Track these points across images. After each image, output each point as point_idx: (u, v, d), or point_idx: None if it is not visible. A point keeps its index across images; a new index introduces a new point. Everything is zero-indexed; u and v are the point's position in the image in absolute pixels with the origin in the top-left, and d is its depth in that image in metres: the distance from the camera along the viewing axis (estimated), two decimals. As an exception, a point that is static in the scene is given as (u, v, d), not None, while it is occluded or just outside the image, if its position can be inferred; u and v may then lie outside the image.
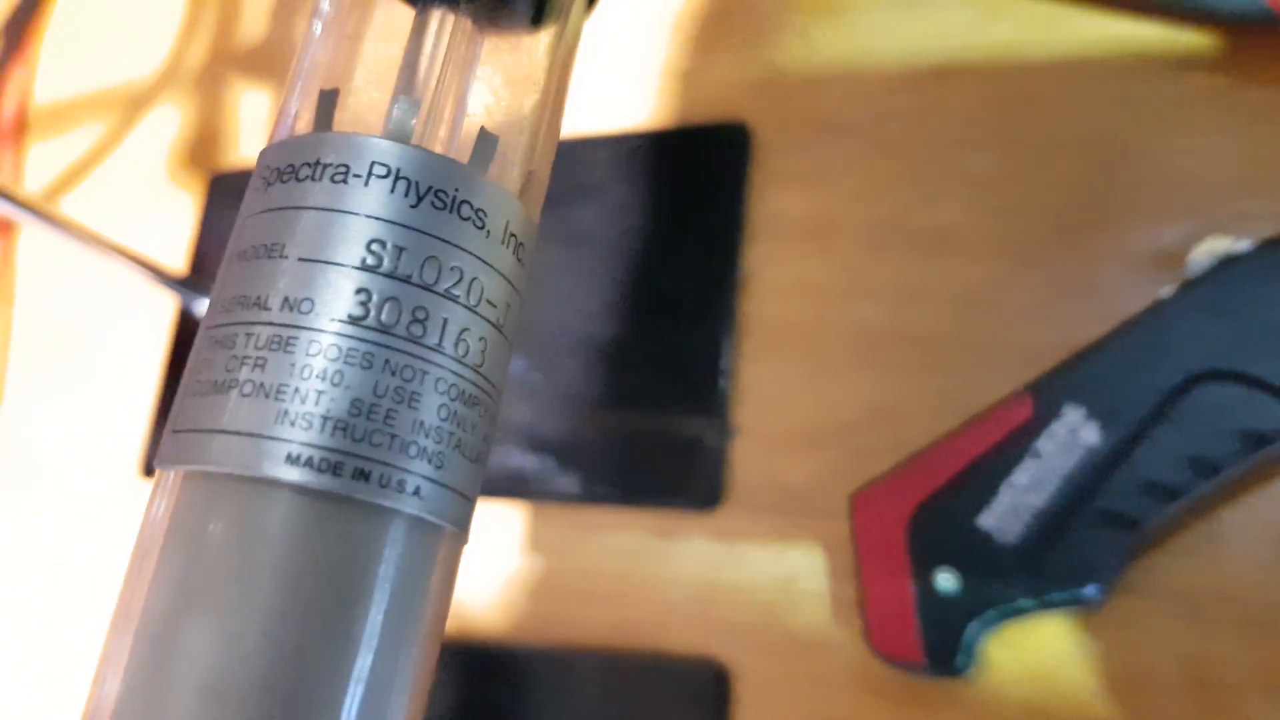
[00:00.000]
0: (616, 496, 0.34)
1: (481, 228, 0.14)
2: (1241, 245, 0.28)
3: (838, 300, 0.33)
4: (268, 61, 0.46)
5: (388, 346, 0.13)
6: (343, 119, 0.15)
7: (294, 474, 0.12)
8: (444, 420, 0.13)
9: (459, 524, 0.14)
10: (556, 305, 0.36)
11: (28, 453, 0.44)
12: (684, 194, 0.36)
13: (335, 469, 0.12)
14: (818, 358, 0.33)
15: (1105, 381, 0.28)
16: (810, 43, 0.36)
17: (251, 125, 0.45)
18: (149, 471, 0.41)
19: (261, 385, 0.13)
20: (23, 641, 0.41)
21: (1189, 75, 0.31)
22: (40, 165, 0.49)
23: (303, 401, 0.13)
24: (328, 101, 0.15)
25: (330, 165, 0.14)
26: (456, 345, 0.14)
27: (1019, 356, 0.30)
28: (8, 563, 0.43)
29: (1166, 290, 0.28)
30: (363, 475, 0.13)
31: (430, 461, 0.13)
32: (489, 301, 0.14)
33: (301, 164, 0.14)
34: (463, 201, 0.14)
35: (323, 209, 0.13)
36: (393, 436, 0.13)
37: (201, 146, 0.46)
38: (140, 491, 0.41)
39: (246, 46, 0.47)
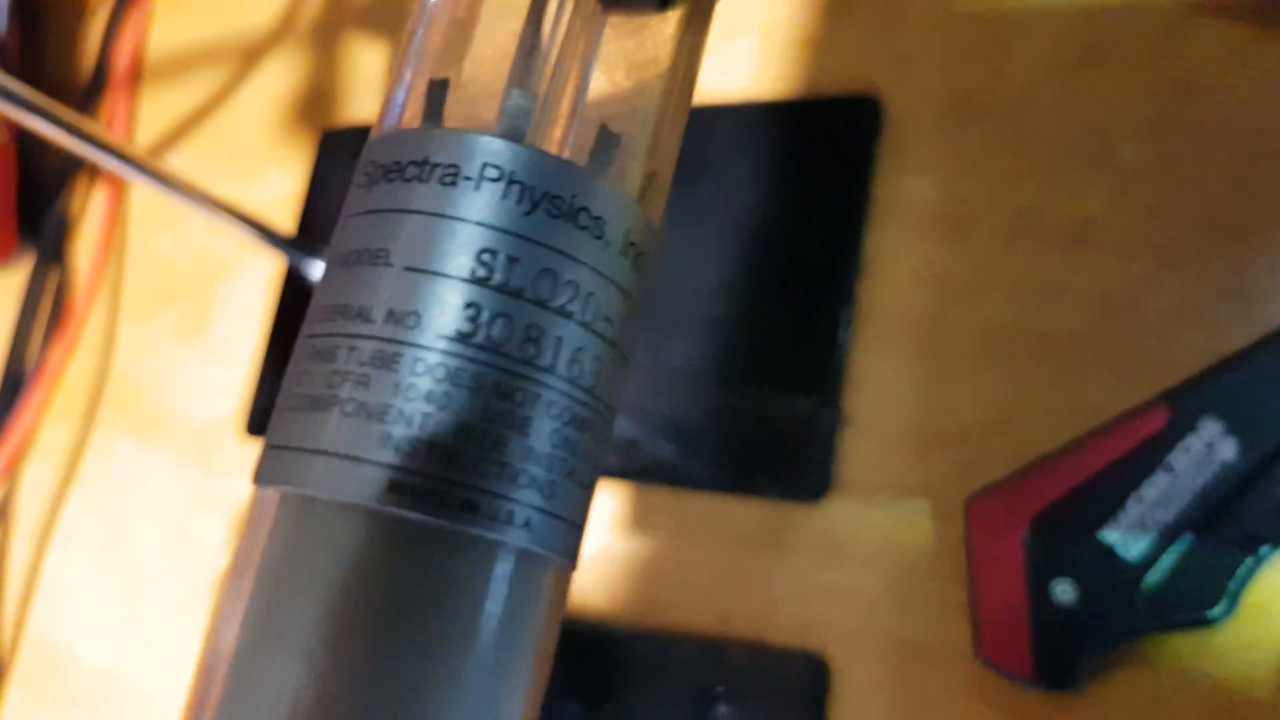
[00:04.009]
0: (722, 483, 0.33)
1: (600, 238, 0.13)
2: None
3: (966, 295, 0.31)
4: (384, 16, 0.45)
5: (498, 367, 0.12)
6: (454, 112, 0.14)
7: (397, 503, 0.12)
8: (555, 447, 0.12)
9: (569, 554, 0.13)
10: (670, 284, 0.35)
11: (136, 403, 0.45)
12: (806, 170, 0.34)
13: (441, 499, 0.12)
14: (941, 354, 0.31)
15: (1247, 395, 0.26)
16: (952, 16, 0.34)
17: (365, 82, 0.45)
18: (251, 430, 0.41)
19: (364, 405, 0.12)
20: (119, 588, 0.42)
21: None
22: (154, 117, 0.49)
23: (408, 425, 0.12)
24: (437, 93, 0.14)
25: (439, 165, 0.13)
26: (570, 366, 0.13)
27: (1158, 363, 0.28)
28: (113, 503, 0.44)
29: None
30: (469, 506, 0.12)
31: (540, 491, 0.12)
32: (605, 318, 0.13)
33: (409, 162, 0.13)
34: (580, 209, 0.13)
35: (430, 213, 0.12)
36: (502, 464, 0.12)
37: (315, 102, 0.45)
38: (241, 450, 0.42)
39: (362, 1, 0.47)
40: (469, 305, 0.12)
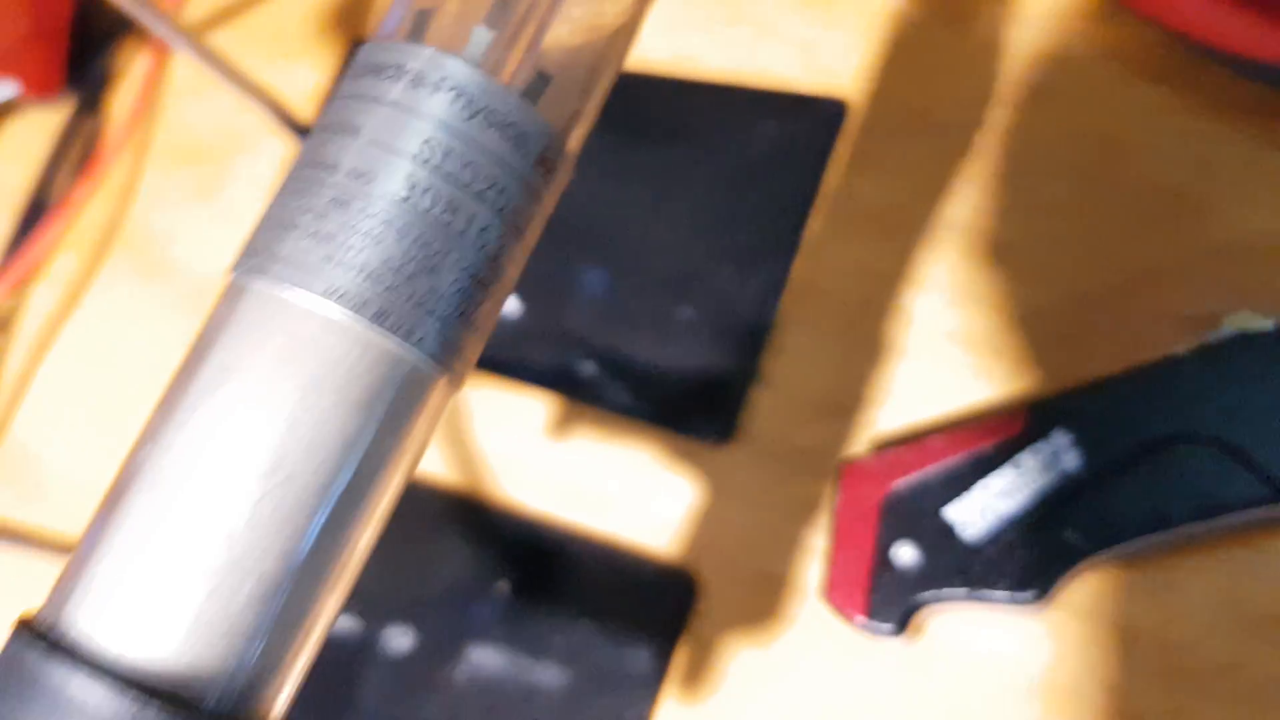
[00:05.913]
0: (644, 413, 0.37)
1: (519, 149, 0.17)
2: (1264, 324, 0.29)
3: (888, 287, 0.36)
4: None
5: (421, 224, 0.16)
6: (437, 35, 0.18)
7: (331, 303, 0.16)
8: (455, 292, 0.17)
9: (451, 377, 0.17)
10: (638, 235, 0.39)
11: (146, 248, 0.49)
12: (772, 153, 0.38)
13: (362, 307, 0.16)
14: (855, 335, 0.35)
15: (1098, 417, 0.30)
16: (922, 38, 0.38)
17: None
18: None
19: (319, 232, 0.16)
20: (102, 407, 0.46)
21: (1271, 153, 0.32)
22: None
23: (348, 250, 0.16)
24: (421, 20, 0.18)
25: (410, 72, 0.17)
26: (479, 235, 0.17)
27: (1038, 375, 0.32)
28: (108, 333, 0.48)
29: (1181, 348, 0.30)
30: (382, 316, 0.16)
31: (439, 320, 0.16)
32: (514, 209, 0.17)
33: (389, 65, 0.17)
34: (508, 124, 0.17)
35: (396, 105, 0.17)
36: (411, 293, 0.16)
37: (352, 12, 0.49)
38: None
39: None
40: (409, 176, 0.16)
